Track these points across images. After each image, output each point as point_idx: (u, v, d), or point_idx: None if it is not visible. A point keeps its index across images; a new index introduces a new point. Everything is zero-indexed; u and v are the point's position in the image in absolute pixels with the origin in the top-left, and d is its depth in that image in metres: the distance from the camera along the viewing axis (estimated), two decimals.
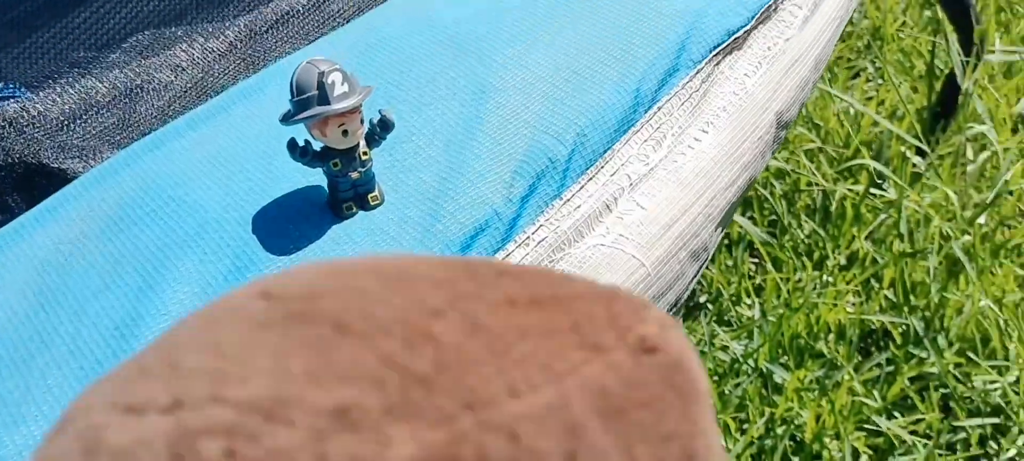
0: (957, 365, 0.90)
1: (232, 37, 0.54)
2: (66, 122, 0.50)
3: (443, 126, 0.48)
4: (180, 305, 0.41)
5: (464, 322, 0.21)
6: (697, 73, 0.51)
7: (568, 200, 0.47)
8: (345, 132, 0.43)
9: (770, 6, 0.54)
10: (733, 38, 0.52)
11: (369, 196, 0.45)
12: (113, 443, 0.20)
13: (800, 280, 1.05)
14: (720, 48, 0.52)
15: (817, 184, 1.08)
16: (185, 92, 0.52)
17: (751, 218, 1.09)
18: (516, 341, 0.21)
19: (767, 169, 1.11)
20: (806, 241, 1.07)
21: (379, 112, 0.44)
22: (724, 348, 0.97)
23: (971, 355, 0.89)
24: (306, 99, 0.42)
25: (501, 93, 0.49)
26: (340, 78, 0.42)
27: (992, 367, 0.89)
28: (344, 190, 0.45)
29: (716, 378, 0.95)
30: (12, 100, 0.53)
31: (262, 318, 0.22)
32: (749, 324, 0.99)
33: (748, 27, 0.53)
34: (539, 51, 0.51)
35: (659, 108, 0.50)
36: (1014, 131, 1.12)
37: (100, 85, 0.51)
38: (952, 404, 0.87)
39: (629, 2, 0.53)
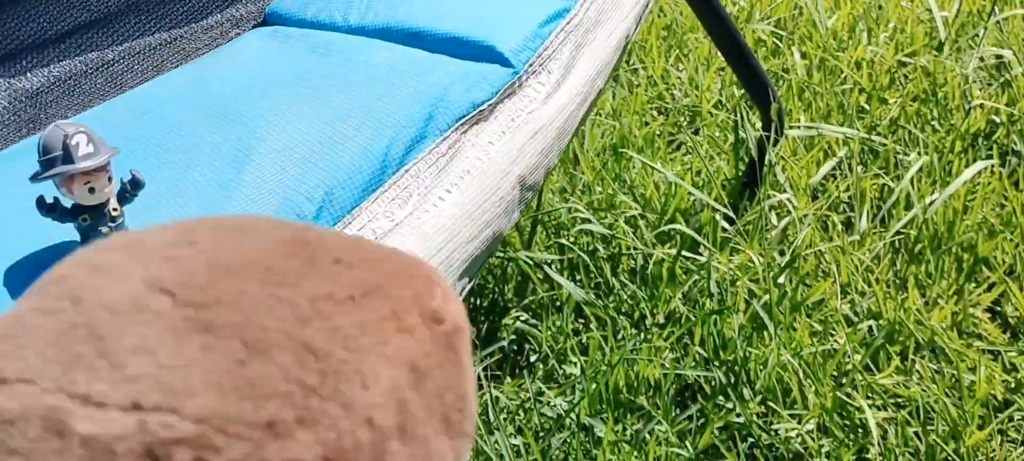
0: (761, 415, 0.97)
1: (13, 99, 0.57)
2: None
3: (202, 185, 0.52)
4: None
5: (326, 327, 0.27)
6: (443, 140, 0.57)
7: None
8: (91, 189, 0.46)
9: (514, 83, 0.61)
10: (478, 110, 0.59)
11: None
12: (83, 432, 0.24)
13: (621, 338, 1.10)
14: (466, 119, 0.58)
15: (637, 248, 1.15)
16: None
17: (578, 281, 1.16)
18: (360, 335, 0.28)
19: (591, 235, 1.18)
20: (628, 301, 1.13)
21: (130, 172, 0.48)
22: (550, 405, 1.01)
23: (773, 405, 0.96)
24: (52, 159, 0.46)
25: (260, 157, 0.54)
26: (85, 139, 0.46)
27: (792, 415, 0.96)
28: None
29: (541, 434, 0.99)
30: None
31: (175, 323, 0.26)
32: (572, 380, 1.04)
33: (493, 101, 0.60)
34: (299, 121, 0.56)
35: (406, 171, 0.55)
36: (813, 198, 1.22)
37: None
38: (757, 452, 0.93)
39: (385, 78, 0.59)
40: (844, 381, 0.98)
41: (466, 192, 0.56)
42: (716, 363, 1.01)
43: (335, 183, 0.53)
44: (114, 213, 0.48)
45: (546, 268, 1.15)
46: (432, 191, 0.55)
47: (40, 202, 0.46)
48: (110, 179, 0.47)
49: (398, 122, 0.56)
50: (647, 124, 1.38)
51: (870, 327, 1.04)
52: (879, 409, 0.96)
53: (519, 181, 0.59)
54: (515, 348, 1.11)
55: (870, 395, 0.97)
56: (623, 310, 1.12)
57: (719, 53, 1.43)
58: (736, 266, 1.10)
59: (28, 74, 0.59)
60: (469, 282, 0.57)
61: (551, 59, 0.64)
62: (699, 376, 1.01)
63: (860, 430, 0.93)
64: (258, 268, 0.29)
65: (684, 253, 1.12)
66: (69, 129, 0.45)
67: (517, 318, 1.14)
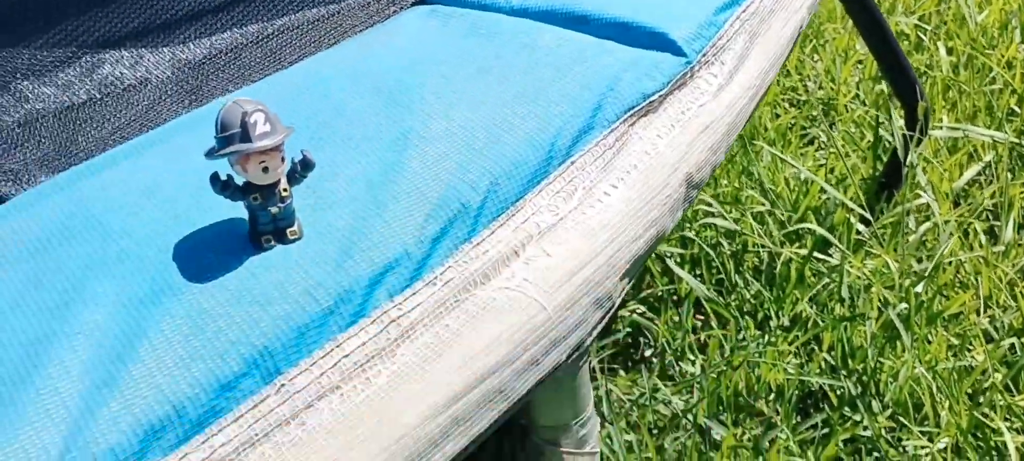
0: (890, 429, 0.92)
1: (176, 70, 0.56)
2: (7, 148, 0.52)
3: (366, 168, 0.51)
4: (95, 324, 0.43)
5: None
6: (611, 132, 0.54)
7: (478, 244, 0.49)
8: (265, 169, 0.45)
9: (686, 74, 0.58)
10: (648, 101, 0.56)
11: (288, 230, 0.48)
12: None
13: (743, 339, 1.07)
14: (635, 110, 0.56)
15: (764, 246, 1.11)
16: (128, 124, 0.55)
17: (699, 276, 1.12)
18: None
19: (716, 229, 1.14)
20: (751, 301, 1.10)
21: (301, 152, 0.47)
22: (666, 403, 0.99)
23: (903, 420, 0.91)
24: (229, 136, 0.44)
25: (423, 141, 0.52)
26: (263, 118, 0.45)
27: (923, 433, 0.91)
28: (264, 223, 0.47)
29: (655, 432, 0.97)
30: None
31: None
32: (690, 380, 1.01)
33: (663, 92, 0.57)
34: (463, 105, 0.54)
35: (572, 163, 0.53)
36: (955, 204, 1.15)
37: (45, 112, 0.54)
38: None
39: (551, 65, 0.56)
40: (981, 400, 0.93)
41: (632, 188, 0.53)
42: (844, 372, 0.97)
43: (500, 173, 0.51)
44: (283, 193, 0.47)
45: (667, 260, 1.11)
46: (598, 185, 0.53)
47: (214, 178, 0.45)
48: (282, 159, 0.46)
49: (565, 111, 0.54)
50: (779, 116, 1.33)
51: (1012, 345, 0.98)
52: (1019, 433, 0.90)
53: (686, 179, 0.56)
54: (630, 341, 1.08)
55: (1009, 417, 0.92)
56: (746, 310, 1.08)
57: (860, 44, 1.37)
58: (870, 271, 1.05)
59: (190, 44, 0.59)
60: (629, 283, 0.54)
61: (725, 49, 0.60)
62: (825, 384, 0.97)
63: (996, 454, 0.88)
64: None
65: (815, 254, 1.07)
66: (247, 107, 0.44)
67: (634, 311, 1.11)
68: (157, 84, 0.58)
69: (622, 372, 1.06)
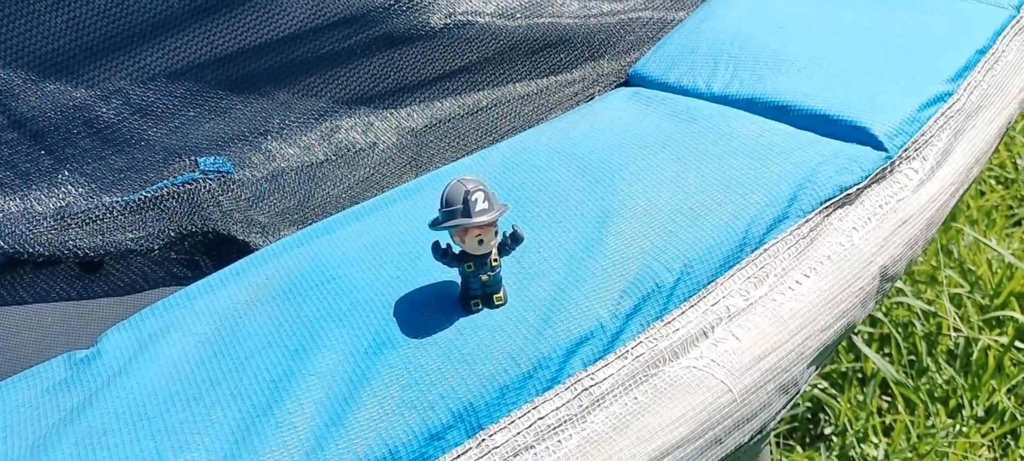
0: None
1: (400, 136, 0.62)
2: (256, 199, 0.60)
3: (567, 242, 0.55)
4: (327, 369, 0.49)
5: None
6: (806, 222, 0.55)
7: (669, 322, 0.52)
8: (480, 241, 0.50)
9: (885, 168, 0.58)
10: (845, 193, 0.56)
11: (495, 296, 0.52)
12: None
13: (932, 426, 1.03)
14: (831, 201, 0.56)
15: (960, 330, 1.07)
16: (357, 185, 0.61)
17: (887, 356, 1.09)
18: None
19: (908, 308, 1.10)
20: (943, 387, 1.05)
21: (512, 226, 0.51)
22: None
23: None
24: (452, 211, 0.50)
25: (622, 219, 0.56)
26: (482, 196, 0.49)
27: None
28: (474, 289, 0.52)
29: None
30: (218, 173, 0.64)
31: None
32: None
33: (861, 185, 0.57)
34: (661, 187, 0.57)
35: (765, 250, 0.54)
36: None
37: (288, 170, 0.61)
38: None
39: (749, 154, 0.58)
40: None
41: (825, 278, 0.54)
42: None
43: (694, 256, 0.54)
44: (494, 263, 0.51)
45: (853, 336, 1.09)
46: (789, 273, 0.54)
47: (435, 247, 0.51)
48: (496, 233, 0.50)
49: (761, 199, 0.56)
50: (984, 194, 1.27)
51: None
52: None
53: (881, 272, 0.56)
54: (809, 416, 1.06)
55: None
56: (937, 395, 1.04)
57: None
58: None
59: (414, 113, 0.65)
60: (816, 371, 0.55)
61: (927, 145, 0.60)
62: None
63: None
64: None
65: (1016, 343, 1.02)
66: (469, 185, 0.49)
67: (815, 385, 1.09)
68: (383, 149, 0.64)
69: (799, 448, 1.05)
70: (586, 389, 0.49)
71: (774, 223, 0.55)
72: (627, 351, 0.51)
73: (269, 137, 0.63)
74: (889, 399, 1.07)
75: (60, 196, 0.59)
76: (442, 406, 0.47)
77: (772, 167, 0.57)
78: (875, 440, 1.01)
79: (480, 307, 0.52)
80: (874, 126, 0.60)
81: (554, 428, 0.48)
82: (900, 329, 1.08)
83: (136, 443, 0.46)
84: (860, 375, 1.07)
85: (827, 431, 1.03)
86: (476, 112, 0.65)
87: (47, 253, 0.57)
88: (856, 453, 1.00)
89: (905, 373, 1.06)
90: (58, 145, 0.59)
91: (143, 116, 0.61)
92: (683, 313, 0.52)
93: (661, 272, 0.53)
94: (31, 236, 0.57)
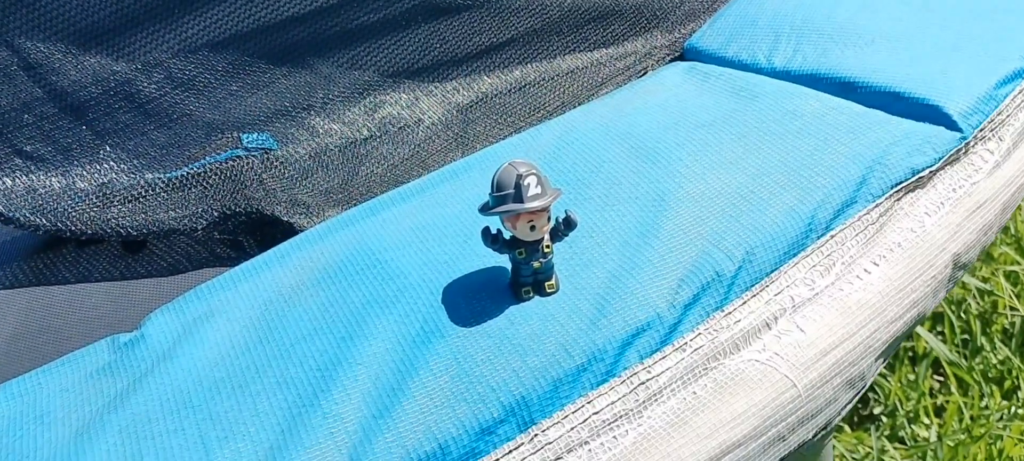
0: None
1: (446, 111, 0.60)
2: (299, 177, 0.58)
3: (621, 228, 0.53)
4: (375, 357, 0.47)
5: None
6: (875, 207, 0.53)
7: (729, 313, 0.50)
8: (532, 227, 0.48)
9: (960, 149, 0.55)
10: (917, 176, 0.53)
11: (546, 284, 0.50)
12: None
13: (986, 407, 1.00)
14: (902, 185, 0.54)
15: (1016, 309, 1.03)
16: (401, 163, 0.59)
17: (940, 335, 1.06)
18: None
19: (963, 285, 1.07)
20: (998, 367, 1.02)
21: (565, 211, 0.49)
22: None
23: None
24: (503, 196, 0.48)
25: (679, 204, 0.53)
26: (535, 181, 0.47)
27: None
28: (525, 276, 0.50)
29: None
30: (261, 150, 0.62)
31: None
32: (924, 445, 0.96)
33: (934, 168, 0.54)
34: (721, 169, 0.54)
35: (832, 237, 0.52)
36: None
37: (332, 147, 0.59)
38: None
39: (814, 133, 0.55)
40: None
41: (895, 266, 0.51)
42: None
43: (756, 243, 0.51)
44: (546, 249, 0.49)
45: None
46: (857, 261, 0.52)
47: (485, 232, 0.49)
48: (548, 218, 0.48)
49: (828, 183, 0.53)
50: None
51: None
52: None
53: (953, 259, 0.53)
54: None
55: None
56: (991, 376, 1.01)
57: None
58: None
59: (458, 86, 0.62)
60: (883, 363, 0.52)
61: (1003, 125, 0.57)
62: None
63: None
64: None
65: None
66: (521, 169, 0.47)
67: None
68: (428, 125, 0.62)
69: (847, 429, 1.02)
70: (642, 383, 0.47)
71: (841, 208, 0.52)
72: (685, 343, 0.49)
73: (312, 112, 0.61)
74: (941, 379, 1.04)
75: (102, 172, 0.58)
76: (493, 399, 0.45)
77: (839, 148, 0.54)
78: (926, 421, 0.99)
79: (531, 295, 0.50)
80: (948, 105, 0.57)
81: (609, 423, 0.46)
82: (954, 307, 1.04)
83: (181, 432, 0.45)
84: (911, 354, 1.05)
85: (877, 411, 1.01)
86: (523, 87, 0.63)
87: (90, 231, 0.56)
88: (907, 434, 0.97)
89: (958, 352, 1.03)
90: (99, 120, 0.58)
91: (185, 90, 0.59)
92: (745, 303, 0.50)
93: (721, 260, 0.51)
94: (73, 213, 0.56)
